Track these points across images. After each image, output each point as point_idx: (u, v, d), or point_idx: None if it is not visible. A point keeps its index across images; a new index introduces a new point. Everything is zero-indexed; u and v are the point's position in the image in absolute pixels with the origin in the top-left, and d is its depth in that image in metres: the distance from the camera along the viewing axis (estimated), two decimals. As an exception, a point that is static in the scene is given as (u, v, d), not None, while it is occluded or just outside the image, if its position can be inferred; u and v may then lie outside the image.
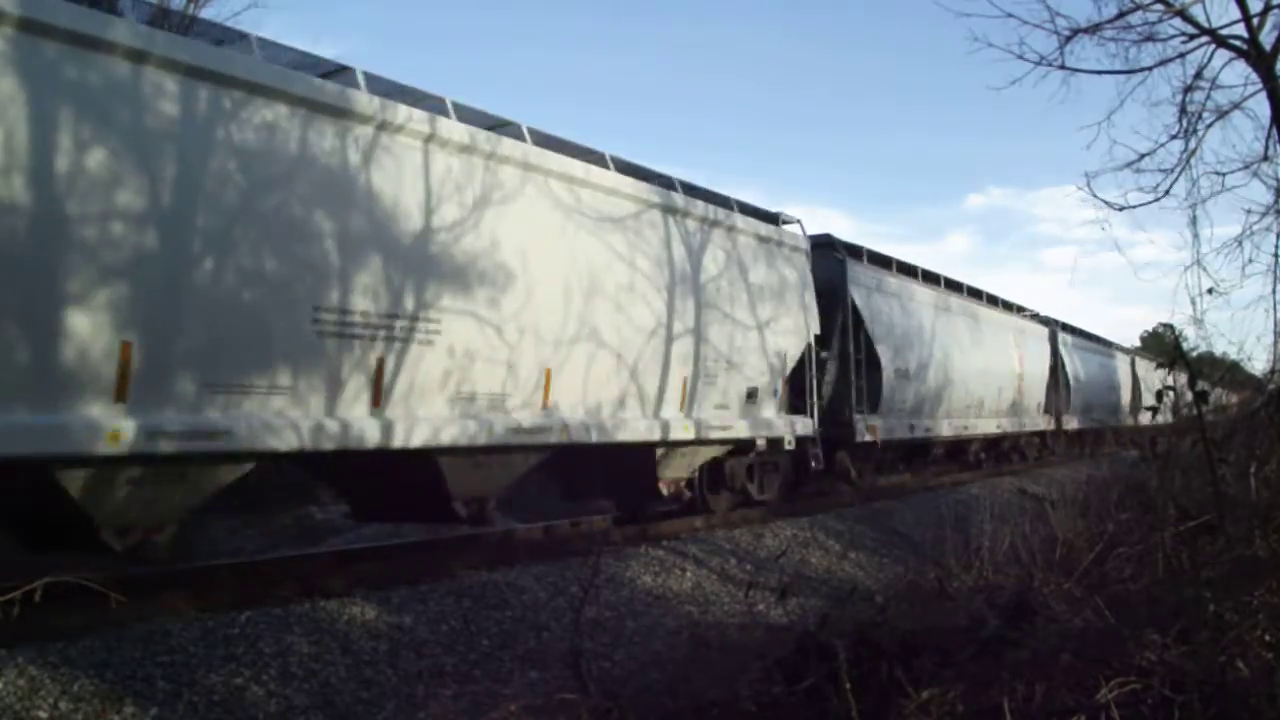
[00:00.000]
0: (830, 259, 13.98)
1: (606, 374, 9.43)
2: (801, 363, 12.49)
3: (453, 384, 7.90)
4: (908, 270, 16.72)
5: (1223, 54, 8.09)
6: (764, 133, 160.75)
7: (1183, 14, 7.78)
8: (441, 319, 7.79)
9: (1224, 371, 11.39)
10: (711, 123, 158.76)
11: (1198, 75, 8.20)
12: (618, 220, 9.75)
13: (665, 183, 10.66)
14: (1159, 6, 7.78)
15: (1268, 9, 7.81)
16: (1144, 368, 31.24)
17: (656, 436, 9.99)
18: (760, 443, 11.61)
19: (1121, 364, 30.88)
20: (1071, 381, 24.61)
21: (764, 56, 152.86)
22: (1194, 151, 8.27)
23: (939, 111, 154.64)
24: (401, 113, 7.62)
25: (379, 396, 7.32)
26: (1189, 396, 5.02)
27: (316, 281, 7.01)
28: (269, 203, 6.76)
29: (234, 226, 6.54)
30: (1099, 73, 8.22)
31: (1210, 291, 8.08)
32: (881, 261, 15.88)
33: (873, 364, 14.40)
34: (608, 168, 9.83)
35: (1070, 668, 3.62)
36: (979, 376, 18.46)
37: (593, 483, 10.49)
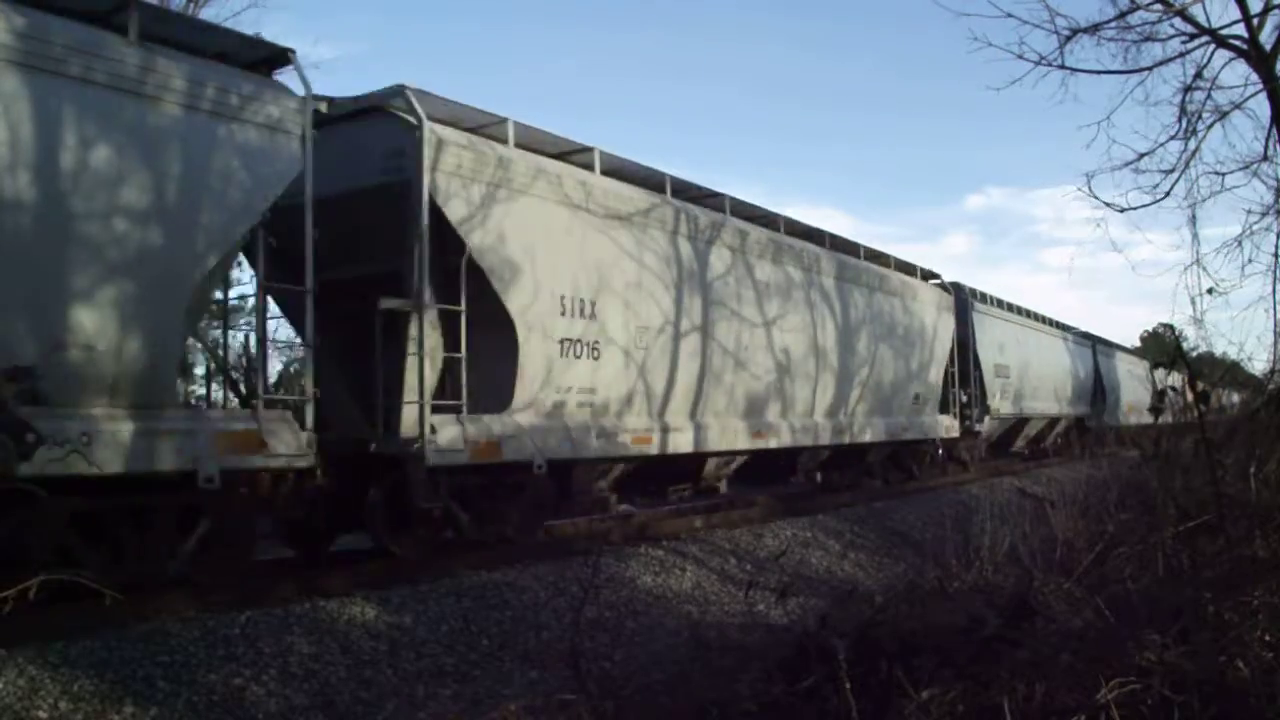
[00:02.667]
0: (957, 299, 18.95)
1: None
2: (946, 376, 17.77)
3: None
4: (999, 303, 21.79)
5: (1223, 54, 8.10)
6: (766, 133, 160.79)
7: (1183, 14, 7.79)
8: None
9: (1224, 371, 11.40)
10: (712, 123, 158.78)
11: (1198, 75, 8.22)
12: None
13: (879, 259, 15.69)
14: (1159, 6, 7.79)
15: (1268, 9, 7.83)
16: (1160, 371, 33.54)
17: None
18: (924, 436, 16.74)
19: (1141, 368, 34.66)
20: (1107, 387, 30.13)
21: (766, 58, 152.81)
22: (1194, 152, 8.28)
23: (939, 112, 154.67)
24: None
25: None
26: (1190, 396, 5.03)
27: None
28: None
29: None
30: (1099, 72, 8.24)
31: (1210, 291, 8.11)
32: (982, 297, 20.79)
33: (981, 376, 19.56)
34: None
35: (1070, 668, 3.62)
36: (1046, 381, 24.00)
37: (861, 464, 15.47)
